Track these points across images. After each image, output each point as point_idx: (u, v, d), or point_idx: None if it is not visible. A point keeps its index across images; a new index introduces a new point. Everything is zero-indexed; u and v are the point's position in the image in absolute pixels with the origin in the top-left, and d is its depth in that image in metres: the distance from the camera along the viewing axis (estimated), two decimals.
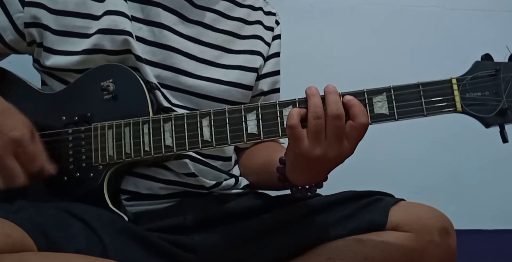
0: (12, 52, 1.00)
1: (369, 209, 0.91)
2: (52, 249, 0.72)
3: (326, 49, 1.62)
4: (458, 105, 0.78)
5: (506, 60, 0.77)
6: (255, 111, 0.83)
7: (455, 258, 0.89)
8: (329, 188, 0.94)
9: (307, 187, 0.87)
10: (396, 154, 1.55)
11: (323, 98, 0.78)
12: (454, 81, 0.78)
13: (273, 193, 1.04)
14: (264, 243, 0.91)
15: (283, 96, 1.13)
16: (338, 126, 0.75)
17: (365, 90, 0.79)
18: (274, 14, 1.14)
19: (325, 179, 0.85)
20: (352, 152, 0.78)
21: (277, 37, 1.12)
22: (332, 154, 0.76)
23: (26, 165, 0.83)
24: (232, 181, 1.01)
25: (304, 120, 0.77)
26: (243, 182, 1.06)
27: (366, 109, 0.78)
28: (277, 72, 1.12)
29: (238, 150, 1.12)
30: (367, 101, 0.79)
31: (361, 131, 0.76)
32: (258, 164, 1.02)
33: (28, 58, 1.00)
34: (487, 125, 0.78)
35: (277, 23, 1.14)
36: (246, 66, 1.05)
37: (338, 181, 0.98)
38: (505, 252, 1.66)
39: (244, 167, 1.09)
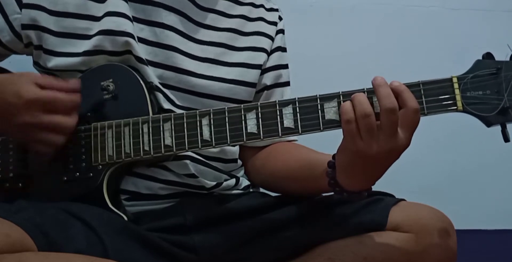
0: (10, 52, 1.00)
1: (369, 209, 0.91)
2: (52, 249, 0.72)
3: (326, 49, 1.62)
4: (459, 104, 0.77)
5: (508, 59, 0.77)
6: (254, 111, 0.83)
7: (455, 259, 0.89)
8: None
9: (356, 191, 0.83)
10: None
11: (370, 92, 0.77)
12: (455, 80, 0.78)
13: (273, 193, 1.04)
14: (264, 243, 0.91)
15: None
16: (393, 120, 0.74)
17: (365, 89, 0.79)
18: (276, 10, 1.14)
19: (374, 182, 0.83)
20: (409, 143, 0.76)
21: (280, 31, 1.12)
22: (388, 148, 0.75)
23: (60, 107, 0.84)
24: (232, 181, 1.01)
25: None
26: (244, 182, 1.06)
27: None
28: (281, 66, 1.10)
29: (248, 152, 1.09)
30: None
31: (414, 117, 0.75)
32: (293, 166, 0.97)
33: (28, 59, 1.00)
34: (488, 124, 0.78)
35: (280, 18, 1.13)
36: (249, 63, 1.04)
37: None
38: (505, 252, 1.66)
39: (266, 170, 1.04)
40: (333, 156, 0.83)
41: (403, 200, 0.94)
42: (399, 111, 0.74)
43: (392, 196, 0.97)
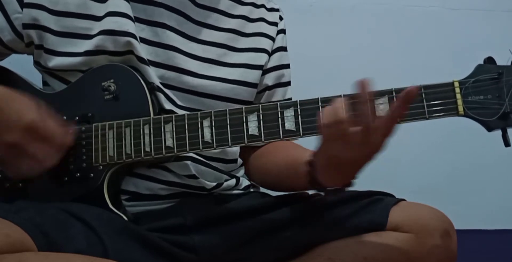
0: (11, 52, 1.00)
1: (369, 209, 0.91)
2: (52, 249, 0.72)
3: (326, 49, 1.62)
4: (460, 108, 0.78)
5: (509, 63, 0.77)
6: (256, 113, 0.83)
7: (456, 259, 0.89)
8: None
9: (337, 188, 0.84)
10: (396, 153, 1.54)
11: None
12: (456, 84, 0.78)
13: (273, 193, 1.04)
14: (264, 243, 0.91)
15: None
16: (368, 129, 0.74)
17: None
18: (277, 10, 1.14)
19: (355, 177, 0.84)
20: (383, 149, 0.76)
21: (281, 31, 1.12)
22: (362, 154, 0.75)
23: (50, 144, 0.83)
24: (233, 181, 1.01)
25: None
26: (244, 182, 1.06)
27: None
28: (282, 66, 1.10)
29: (247, 151, 1.10)
30: None
31: (390, 125, 0.75)
32: (281, 165, 0.99)
33: (28, 58, 0.99)
34: (489, 129, 0.78)
35: (281, 18, 1.13)
36: (251, 64, 1.04)
37: None
38: (505, 252, 1.66)
39: (260, 169, 1.06)
40: (313, 154, 0.84)
41: (403, 200, 0.94)
42: (376, 120, 0.74)
43: (392, 196, 0.97)
